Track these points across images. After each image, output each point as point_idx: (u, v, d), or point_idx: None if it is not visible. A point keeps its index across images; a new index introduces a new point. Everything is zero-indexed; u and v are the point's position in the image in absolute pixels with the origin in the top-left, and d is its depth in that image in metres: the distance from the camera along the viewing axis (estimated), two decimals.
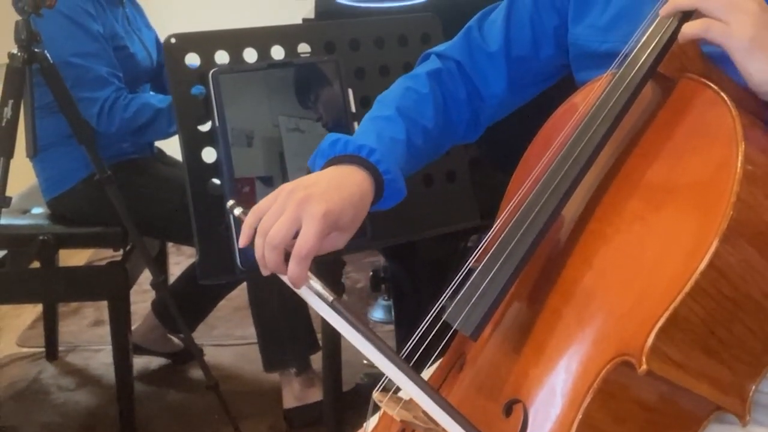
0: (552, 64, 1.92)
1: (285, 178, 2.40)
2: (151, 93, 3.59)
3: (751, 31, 1.28)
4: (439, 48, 1.94)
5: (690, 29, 1.32)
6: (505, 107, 1.96)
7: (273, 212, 1.51)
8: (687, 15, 1.38)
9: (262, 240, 1.50)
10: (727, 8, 1.30)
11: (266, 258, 1.50)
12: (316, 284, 1.49)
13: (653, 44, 1.42)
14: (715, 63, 1.43)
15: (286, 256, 1.49)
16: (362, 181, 1.60)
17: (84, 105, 3.24)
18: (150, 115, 3.29)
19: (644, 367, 1.20)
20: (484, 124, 1.95)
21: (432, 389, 1.35)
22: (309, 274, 1.49)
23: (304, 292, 1.51)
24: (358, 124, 2.15)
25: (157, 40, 3.74)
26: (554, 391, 1.33)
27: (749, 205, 1.21)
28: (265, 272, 1.53)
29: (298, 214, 1.49)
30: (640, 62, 1.41)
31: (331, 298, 1.47)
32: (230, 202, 1.62)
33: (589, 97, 1.48)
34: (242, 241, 1.54)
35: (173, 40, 2.31)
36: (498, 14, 1.92)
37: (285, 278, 1.51)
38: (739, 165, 1.22)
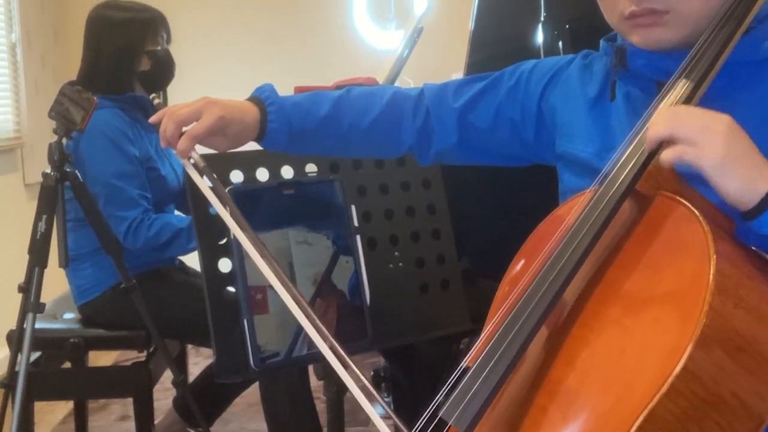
0: (504, 146, 1.97)
1: (294, 287, 2.38)
2: (175, 213, 3.60)
3: (722, 151, 1.27)
4: (429, 87, 2.04)
5: (668, 156, 1.31)
6: (456, 156, 2.03)
7: (185, 104, 1.85)
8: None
9: (168, 117, 1.82)
10: (698, 132, 1.29)
11: (167, 129, 1.82)
12: (195, 154, 1.82)
13: (631, 164, 1.41)
14: (687, 180, 1.43)
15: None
16: (255, 115, 1.90)
17: (114, 222, 3.25)
18: (171, 234, 3.29)
19: None
20: (433, 156, 2.03)
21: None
22: (194, 150, 1.82)
23: (185, 163, 1.83)
24: (360, 237, 2.23)
25: None
26: None
27: (720, 313, 1.19)
28: (163, 143, 1.84)
29: (201, 109, 1.82)
30: (619, 181, 1.41)
31: (202, 165, 1.81)
32: (152, 95, 2.00)
33: (571, 212, 1.47)
34: (152, 119, 1.88)
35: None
36: (480, 83, 1.98)
37: (176, 152, 1.82)
38: (711, 277, 1.21)
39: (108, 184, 3.28)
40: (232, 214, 1.75)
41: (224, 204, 1.76)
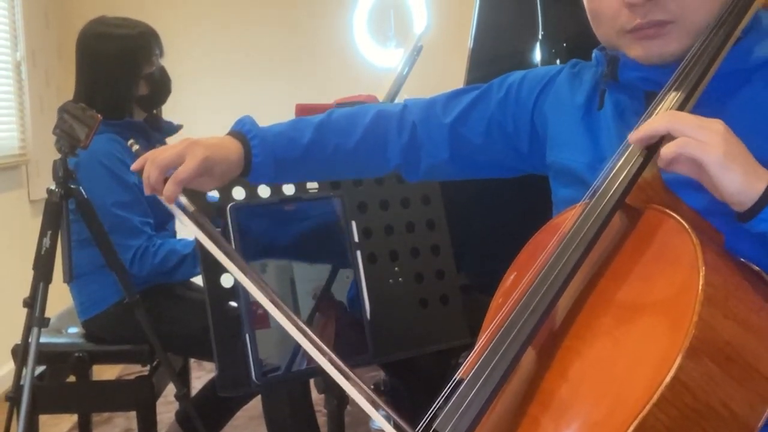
0: (498, 157, 1.97)
1: (295, 302, 2.40)
2: (178, 238, 3.59)
3: (723, 146, 1.28)
4: (412, 102, 2.03)
5: (670, 148, 1.31)
6: (447, 172, 2.03)
7: (166, 148, 1.81)
8: (654, 147, 1.39)
9: (151, 163, 1.77)
10: (698, 128, 1.30)
11: (150, 175, 1.77)
12: (183, 198, 1.76)
13: (621, 178, 1.42)
14: (675, 191, 1.44)
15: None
16: (238, 151, 1.87)
17: (119, 249, 3.24)
18: (176, 260, 3.30)
19: None
20: (423, 172, 2.03)
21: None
22: (180, 194, 1.76)
23: (173, 208, 1.77)
24: (361, 253, 2.24)
25: None
26: None
27: (710, 324, 1.20)
28: (147, 190, 1.79)
29: (184, 152, 1.77)
30: (610, 194, 1.42)
31: (192, 209, 1.75)
32: (130, 141, 1.91)
33: (563, 225, 1.48)
34: (133, 166, 1.83)
35: None
36: (469, 96, 1.97)
37: (162, 198, 1.76)
38: (700, 288, 1.22)
39: (109, 214, 3.26)
40: (225, 253, 1.71)
41: (217, 244, 1.72)
